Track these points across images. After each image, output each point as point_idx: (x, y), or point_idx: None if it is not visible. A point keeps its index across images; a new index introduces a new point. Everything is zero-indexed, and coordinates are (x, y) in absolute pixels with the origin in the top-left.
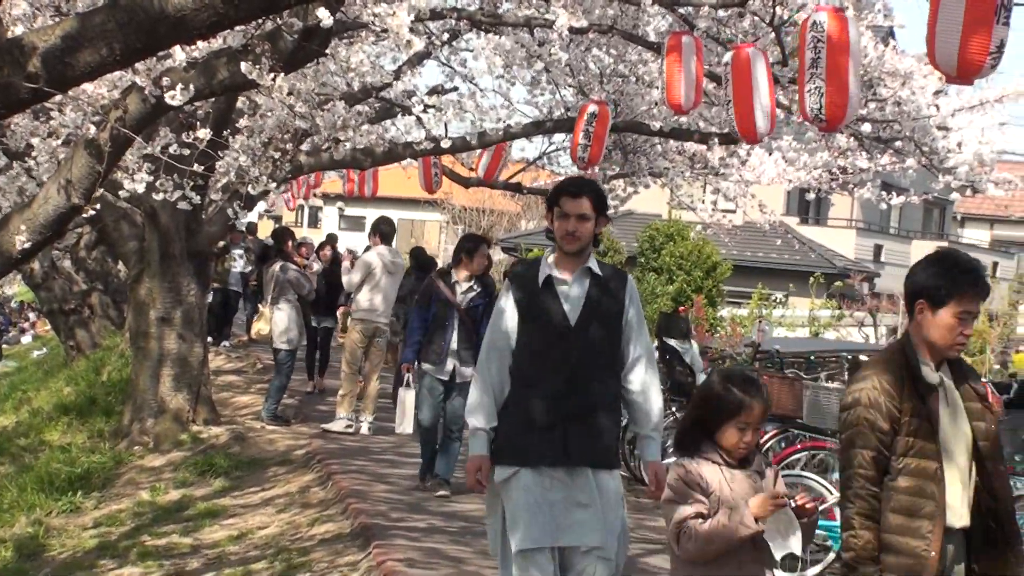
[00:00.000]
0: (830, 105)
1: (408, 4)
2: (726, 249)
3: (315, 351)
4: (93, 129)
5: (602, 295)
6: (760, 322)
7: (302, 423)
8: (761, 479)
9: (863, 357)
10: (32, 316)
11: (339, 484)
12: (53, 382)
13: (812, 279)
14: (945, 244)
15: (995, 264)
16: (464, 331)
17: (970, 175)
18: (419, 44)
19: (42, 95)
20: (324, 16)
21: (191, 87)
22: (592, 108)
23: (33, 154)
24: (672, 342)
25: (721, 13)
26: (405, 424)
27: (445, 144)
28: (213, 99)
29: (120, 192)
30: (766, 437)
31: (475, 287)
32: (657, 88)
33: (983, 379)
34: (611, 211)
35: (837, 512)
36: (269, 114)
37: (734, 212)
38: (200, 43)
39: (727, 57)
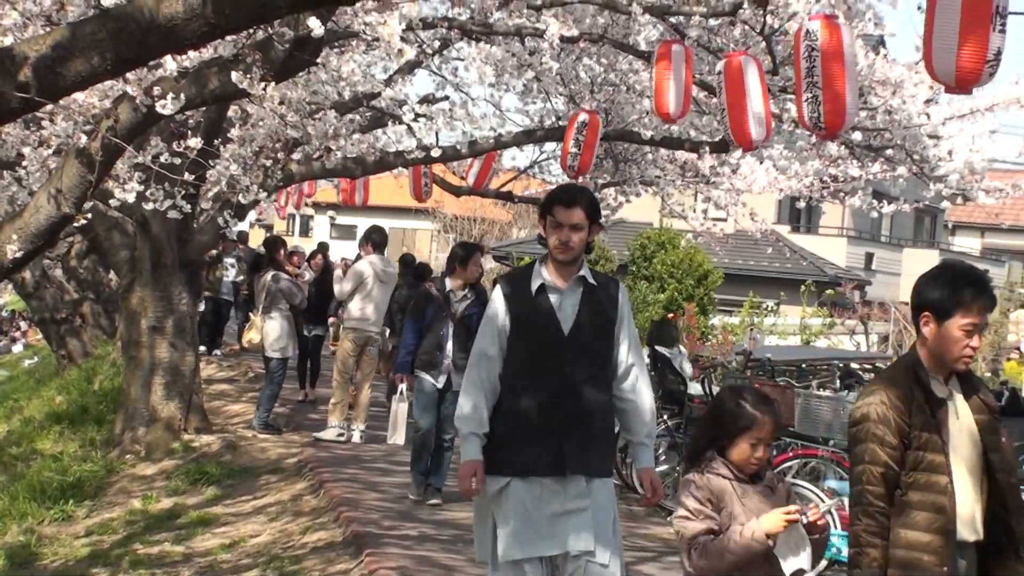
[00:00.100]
0: (828, 113)
1: (399, 13)
2: (717, 257)
3: (306, 360)
4: (84, 138)
5: (595, 304)
6: (751, 330)
7: (294, 432)
8: (773, 494)
9: (854, 365)
10: (23, 325)
11: (331, 492)
12: (45, 391)
13: (803, 287)
14: (936, 252)
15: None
16: (459, 340)
17: (961, 183)
18: (410, 53)
19: (33, 104)
20: (315, 26)
21: (182, 96)
22: (582, 117)
23: (24, 163)
24: (663, 350)
25: (712, 22)
26: (397, 436)
27: (435, 153)
28: (204, 108)
29: (111, 201)
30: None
31: (468, 295)
32: (648, 97)
33: None
34: (603, 219)
35: (830, 519)
36: (260, 123)
37: (725, 220)
38: (191, 53)
39: (720, 65)
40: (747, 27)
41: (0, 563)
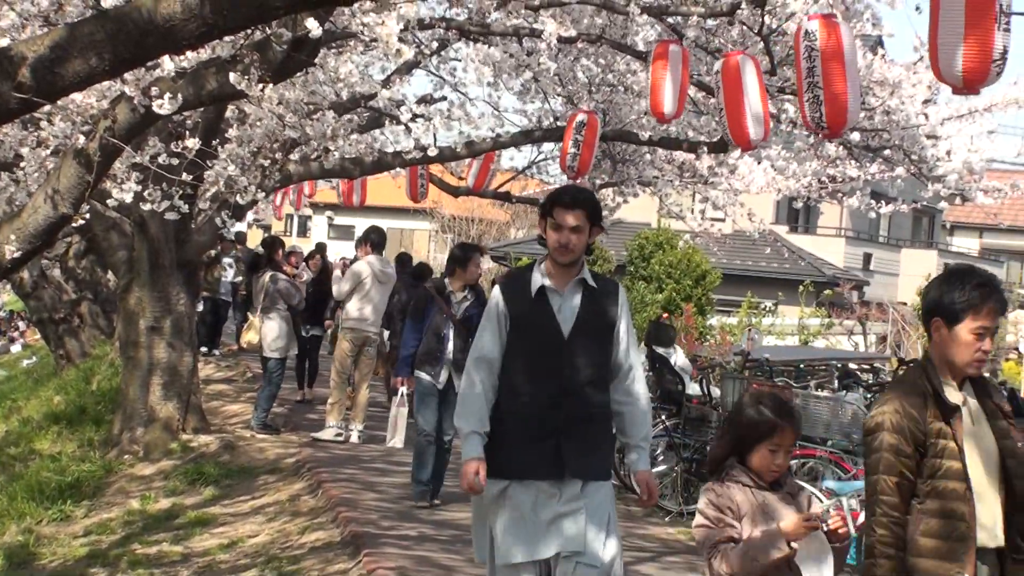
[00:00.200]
0: (830, 113)
1: (397, 14)
2: (715, 258)
3: (304, 360)
4: (82, 139)
5: (595, 306)
6: (749, 330)
7: (292, 432)
8: (793, 501)
9: (852, 366)
10: (22, 325)
11: (329, 492)
12: (43, 391)
13: (801, 287)
14: (934, 253)
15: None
16: (459, 340)
17: (959, 183)
18: (408, 53)
19: (31, 105)
20: (313, 26)
21: (180, 97)
22: (580, 117)
23: (22, 164)
24: (661, 350)
25: (710, 22)
26: (397, 439)
27: (433, 153)
28: (202, 109)
29: (109, 201)
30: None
31: (468, 296)
32: (646, 98)
33: None
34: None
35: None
36: (258, 123)
37: (723, 221)
38: (189, 53)
39: (717, 65)
40: (745, 27)
41: None
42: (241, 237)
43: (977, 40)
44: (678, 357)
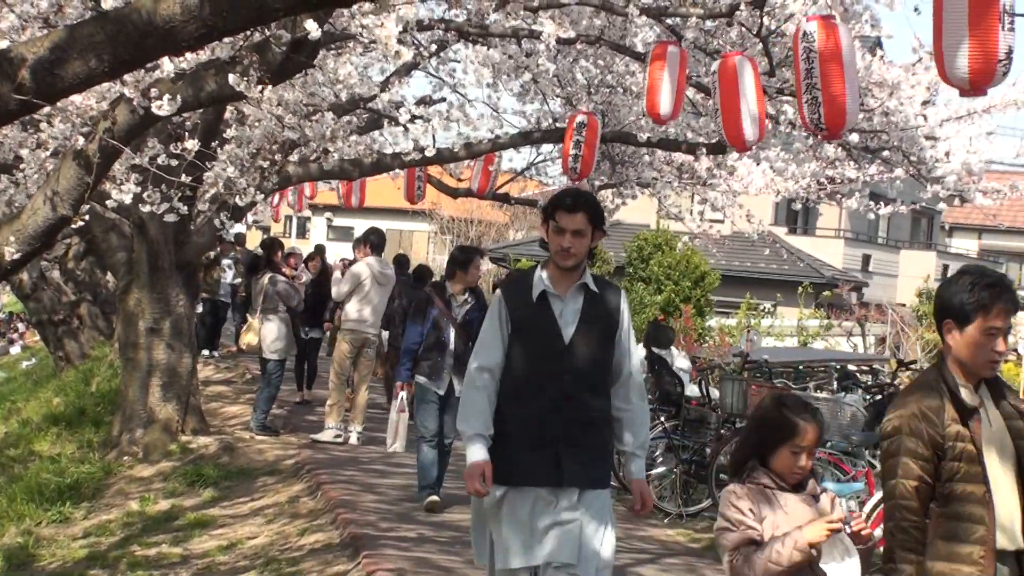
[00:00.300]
0: (828, 114)
1: (396, 15)
2: (714, 259)
3: (303, 362)
4: (81, 140)
5: (597, 312)
6: (748, 332)
7: (291, 433)
8: (816, 503)
9: (851, 367)
10: (21, 327)
11: (328, 494)
12: (42, 392)
13: (800, 289)
14: (933, 254)
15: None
16: (461, 345)
17: (958, 184)
18: (407, 55)
19: (31, 107)
20: (312, 28)
21: (179, 98)
22: (580, 118)
23: (22, 166)
24: (660, 352)
25: (708, 24)
26: (398, 444)
27: (431, 153)
28: (201, 110)
29: (108, 203)
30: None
31: (469, 299)
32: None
33: None
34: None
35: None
36: (257, 125)
37: (722, 222)
38: (188, 55)
39: (715, 65)
40: (744, 29)
41: None
42: (240, 238)
43: (981, 41)
44: (677, 358)
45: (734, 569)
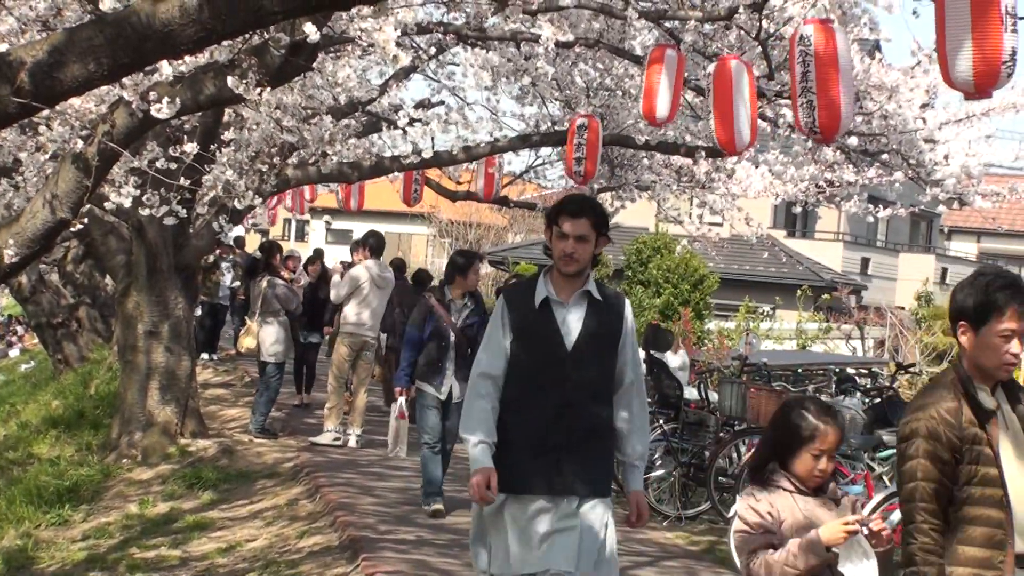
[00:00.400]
0: (823, 118)
1: (394, 19)
2: (713, 262)
3: (302, 365)
4: (80, 143)
5: (600, 320)
6: (747, 335)
7: (290, 436)
8: (836, 507)
9: (850, 370)
10: (20, 330)
11: (327, 497)
12: (41, 395)
13: (799, 292)
14: (932, 257)
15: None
16: (460, 349)
17: (957, 187)
18: (406, 59)
19: (30, 110)
20: (311, 31)
21: (178, 101)
22: (580, 121)
23: (21, 169)
24: (659, 355)
25: (707, 27)
26: (400, 449)
27: (428, 155)
28: (200, 113)
29: (107, 205)
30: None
31: (469, 304)
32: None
33: None
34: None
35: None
36: (255, 128)
37: (721, 225)
38: (187, 58)
39: (711, 67)
40: (743, 32)
41: None
42: (240, 242)
43: (984, 43)
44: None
45: (751, 572)
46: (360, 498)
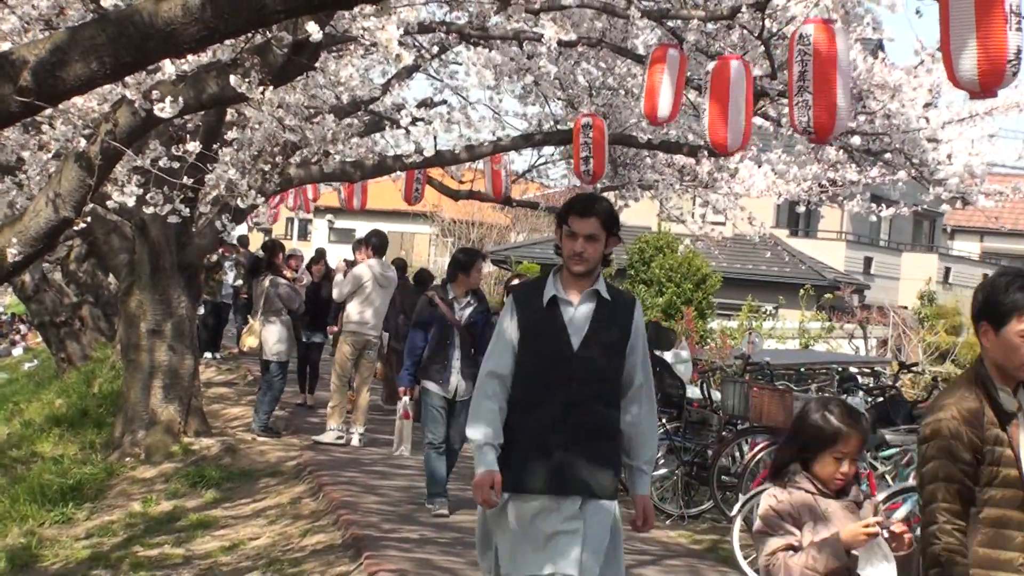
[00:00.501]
0: (818, 117)
1: (397, 18)
2: (716, 261)
3: (305, 364)
4: (83, 142)
5: (608, 320)
6: (750, 334)
7: (293, 435)
8: (858, 509)
9: (853, 369)
10: (23, 328)
11: (330, 495)
12: (44, 394)
13: (802, 291)
14: (935, 256)
15: (986, 276)
16: (464, 347)
17: (960, 187)
18: (408, 58)
19: (33, 109)
20: (314, 30)
21: (180, 100)
22: (585, 120)
23: (24, 168)
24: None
25: (710, 26)
26: (404, 448)
27: (430, 154)
28: (203, 112)
29: (109, 204)
30: (756, 449)
31: (472, 302)
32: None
33: None
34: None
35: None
36: (258, 127)
37: (724, 225)
38: (190, 57)
39: (710, 66)
40: (745, 31)
41: (1, 565)
42: (244, 240)
43: (989, 42)
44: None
45: (771, 573)
46: (363, 496)
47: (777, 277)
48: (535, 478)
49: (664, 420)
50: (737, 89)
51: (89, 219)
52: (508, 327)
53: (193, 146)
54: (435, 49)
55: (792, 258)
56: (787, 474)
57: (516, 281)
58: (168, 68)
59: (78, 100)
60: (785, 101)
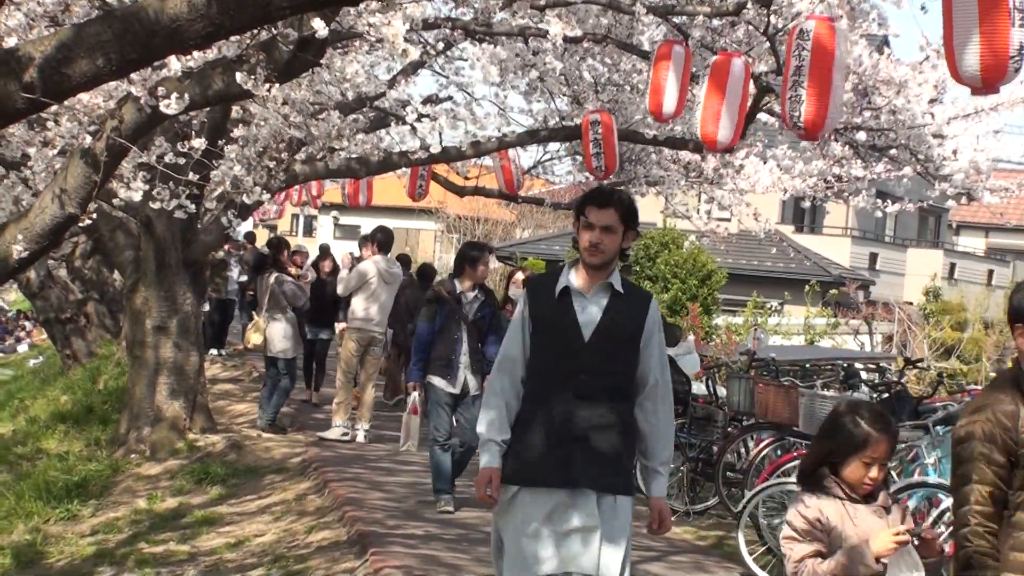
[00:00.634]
0: (809, 113)
1: (403, 14)
2: (721, 257)
3: (311, 361)
4: (89, 139)
5: (621, 314)
6: (755, 330)
7: (298, 431)
8: (887, 515)
9: (858, 365)
10: (28, 325)
11: (335, 492)
12: (50, 391)
13: (807, 287)
14: (940, 252)
15: (991, 272)
16: (471, 342)
17: (965, 183)
18: (414, 54)
19: (38, 105)
20: (319, 26)
21: (186, 97)
22: (593, 117)
23: (29, 164)
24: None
25: (715, 22)
26: (411, 444)
27: (436, 151)
28: (208, 109)
29: (115, 201)
30: (761, 445)
31: (479, 296)
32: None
33: (979, 388)
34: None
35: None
36: (263, 123)
37: (729, 220)
38: (195, 53)
39: (710, 60)
40: (751, 27)
41: (6, 562)
42: (251, 237)
43: (992, 38)
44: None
45: None
46: (368, 493)
47: (782, 273)
48: (544, 471)
49: None
50: (734, 87)
51: (95, 216)
52: (520, 320)
53: (199, 142)
54: (440, 45)
55: (797, 254)
56: (815, 479)
57: (520, 275)
58: (174, 65)
59: (84, 96)
60: None
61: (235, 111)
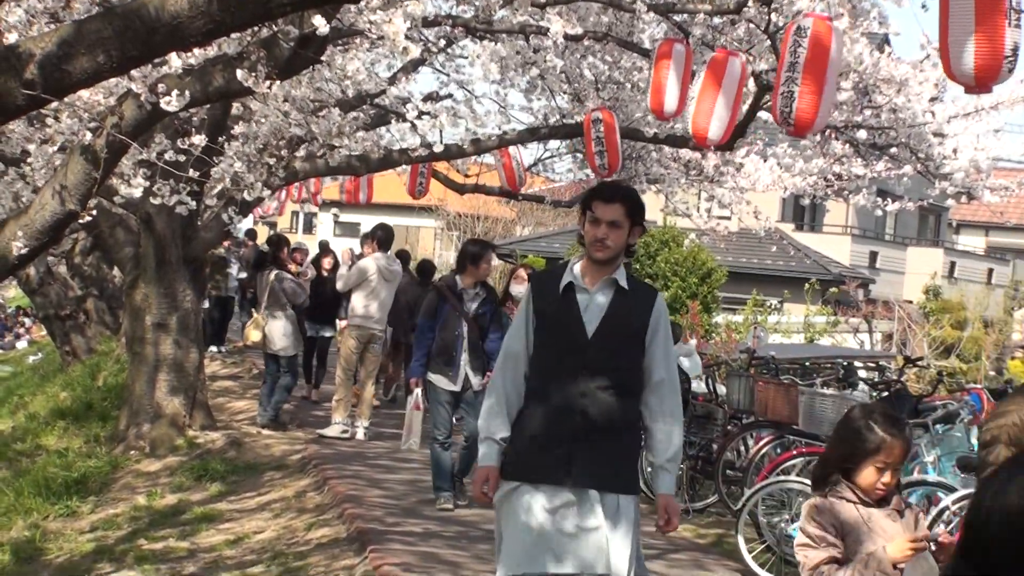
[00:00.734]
0: (800, 109)
1: (404, 11)
2: (721, 255)
3: (311, 358)
4: (89, 135)
5: (625, 309)
6: (755, 328)
7: (298, 428)
8: (900, 519)
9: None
10: (28, 321)
11: (335, 489)
12: (49, 387)
13: (807, 285)
14: (940, 251)
15: (991, 271)
16: (472, 339)
17: (966, 181)
18: (415, 51)
19: (39, 102)
20: (320, 24)
21: (187, 93)
22: (595, 115)
23: (29, 160)
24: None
25: (716, 20)
26: (412, 441)
27: (437, 148)
28: (208, 105)
29: (115, 198)
30: (761, 443)
31: (480, 293)
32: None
33: (978, 386)
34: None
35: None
36: (263, 120)
37: (729, 219)
38: (196, 50)
39: (707, 56)
40: (751, 25)
41: (6, 558)
42: (252, 234)
43: (988, 37)
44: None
45: None
46: (368, 490)
47: (782, 271)
48: (543, 468)
49: None
50: (730, 84)
51: (95, 212)
52: (524, 316)
53: (199, 139)
54: (441, 43)
55: (797, 252)
56: (829, 484)
57: (521, 271)
58: (174, 61)
59: (84, 93)
60: None
61: (235, 108)
